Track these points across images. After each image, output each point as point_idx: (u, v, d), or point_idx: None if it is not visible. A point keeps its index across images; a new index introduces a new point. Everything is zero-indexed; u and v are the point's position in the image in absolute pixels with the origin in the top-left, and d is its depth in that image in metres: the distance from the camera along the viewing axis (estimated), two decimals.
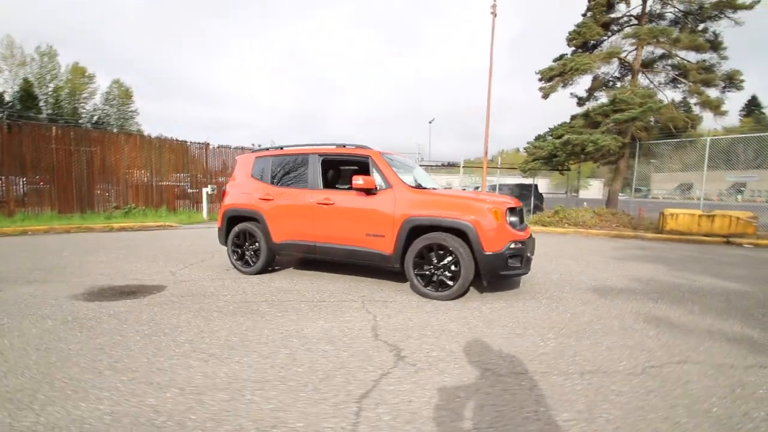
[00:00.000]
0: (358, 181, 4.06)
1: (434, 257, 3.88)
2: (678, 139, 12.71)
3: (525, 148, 15.36)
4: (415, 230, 3.94)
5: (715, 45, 12.22)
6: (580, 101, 15.29)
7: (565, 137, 12.36)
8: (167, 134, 12.84)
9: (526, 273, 3.97)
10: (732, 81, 12.49)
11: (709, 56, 12.76)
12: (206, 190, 13.09)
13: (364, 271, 5.08)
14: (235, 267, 5.04)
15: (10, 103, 39.77)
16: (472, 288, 4.24)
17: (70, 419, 1.84)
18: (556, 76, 13.38)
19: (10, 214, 9.82)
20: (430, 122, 38.37)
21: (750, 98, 54.96)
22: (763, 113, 54.09)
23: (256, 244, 4.85)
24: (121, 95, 52.22)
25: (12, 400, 1.99)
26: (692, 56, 12.96)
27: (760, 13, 11.70)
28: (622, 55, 13.41)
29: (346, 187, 5.55)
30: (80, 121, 43.86)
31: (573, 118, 14.01)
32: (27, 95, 41.38)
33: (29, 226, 8.98)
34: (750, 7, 11.27)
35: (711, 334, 3.11)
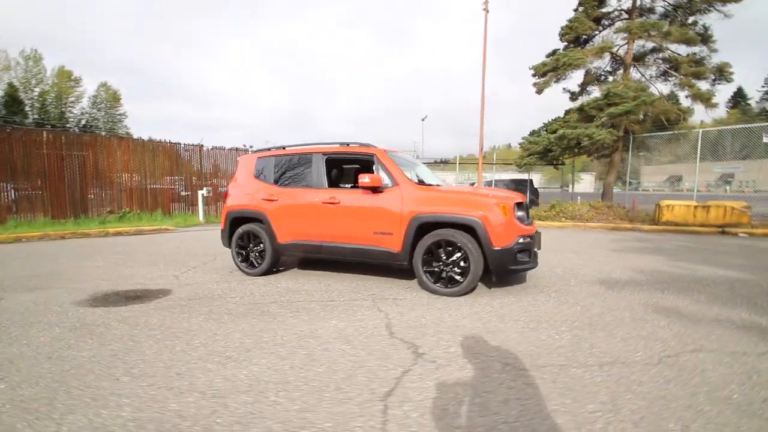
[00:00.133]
0: (365, 179, 4.04)
1: (443, 254, 3.87)
2: (670, 132, 12.87)
3: (520, 144, 15.46)
4: (423, 227, 3.94)
5: (705, 38, 12.38)
6: (573, 96, 15.41)
7: (560, 132, 12.45)
8: (157, 137, 12.62)
9: (535, 267, 3.99)
10: (722, 73, 12.68)
11: (699, 49, 12.94)
12: (201, 193, 12.95)
13: (370, 270, 5.06)
14: (240, 269, 4.99)
15: None
16: (480, 283, 4.25)
17: (93, 427, 1.81)
18: (549, 71, 13.46)
19: (2, 221, 9.63)
20: (422, 119, 38.45)
21: (736, 90, 55.92)
22: (749, 104, 55.05)
23: (261, 245, 4.80)
24: (109, 98, 51.53)
25: (29, 410, 1.95)
26: (683, 49, 13.13)
27: (745, 4, 11.88)
28: (614, 49, 13.53)
29: (350, 185, 5.55)
30: (67, 126, 43.14)
31: (567, 112, 14.12)
32: (12, 100, 40.63)
33: (23, 233, 8.80)
34: (738, 0, 11.43)
35: (720, 323, 3.15)
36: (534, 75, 14.14)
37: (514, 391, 2.08)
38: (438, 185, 4.63)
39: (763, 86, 55.78)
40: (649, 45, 13.50)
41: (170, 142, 13.07)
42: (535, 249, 4.05)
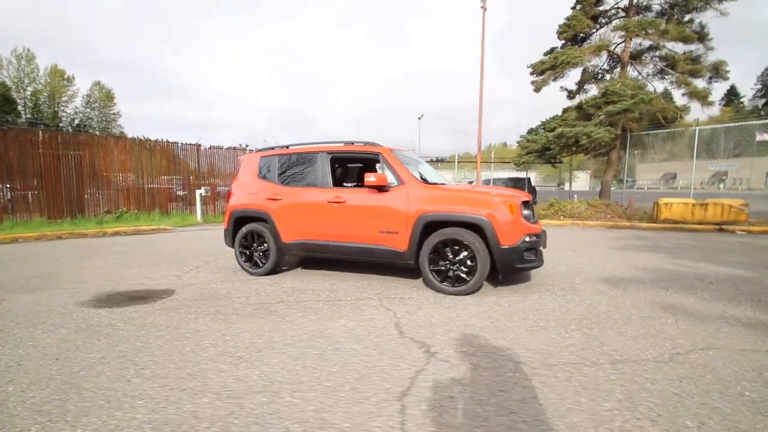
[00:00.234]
0: (371, 178, 4.02)
1: (449, 252, 3.87)
2: (668, 130, 12.96)
3: (518, 142, 15.50)
4: (430, 226, 3.93)
5: (701, 36, 12.46)
6: (570, 94, 15.47)
7: (559, 130, 12.49)
8: (153, 137, 12.47)
9: (541, 266, 3.99)
10: (718, 71, 12.77)
11: (695, 47, 13.03)
12: (199, 192, 12.86)
13: (374, 269, 5.05)
14: (244, 269, 4.97)
15: None
16: (485, 282, 4.26)
17: (108, 430, 1.79)
18: (547, 69, 13.50)
19: None
20: (419, 118, 38.36)
21: (729, 88, 56.39)
22: (742, 103, 55.55)
23: (265, 244, 4.78)
24: (103, 98, 51.04)
25: (42, 413, 1.93)
26: (679, 47, 13.22)
27: (741, 2, 11.98)
28: (611, 47, 13.59)
29: (353, 184, 5.53)
30: (60, 125, 42.69)
31: (565, 110, 14.16)
32: (4, 99, 40.11)
33: (19, 233, 8.70)
34: None
35: (726, 320, 3.17)
36: (532, 73, 14.17)
37: (529, 390, 2.09)
38: (443, 184, 4.63)
39: (755, 84, 56.33)
40: (646, 43, 13.58)
41: (167, 142, 12.96)
42: (541, 247, 4.07)
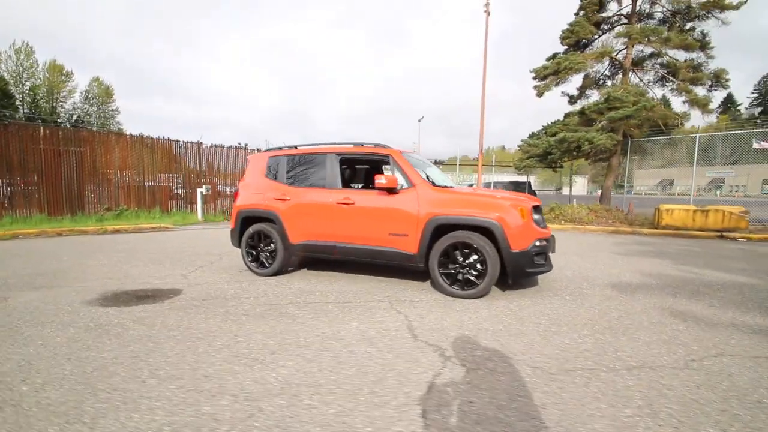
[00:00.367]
0: (381, 180, 4.02)
1: (459, 256, 3.87)
2: (668, 137, 13.04)
3: (519, 146, 15.53)
4: (440, 229, 3.93)
5: (703, 44, 12.54)
6: (572, 99, 15.53)
7: (561, 135, 12.53)
8: (151, 134, 12.39)
9: (550, 270, 3.99)
10: (718, 79, 12.85)
11: (696, 55, 13.11)
12: (200, 191, 12.81)
13: (380, 271, 5.04)
14: (250, 269, 4.94)
15: None
16: (493, 286, 4.25)
17: None
18: (550, 74, 13.55)
19: None
20: (419, 120, 38.41)
21: (726, 96, 56.89)
22: (739, 111, 56.03)
23: (272, 245, 4.76)
24: (102, 94, 50.82)
25: (58, 414, 1.90)
26: (680, 55, 13.29)
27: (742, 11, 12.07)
28: (614, 53, 13.66)
29: (361, 186, 5.52)
30: (59, 121, 42.45)
31: (567, 115, 14.21)
32: (2, 94, 39.84)
33: (19, 230, 8.63)
34: (737, 7, 11.61)
35: (736, 327, 3.18)
36: (535, 78, 14.22)
37: (549, 396, 2.08)
38: (451, 187, 4.63)
39: (752, 92, 56.85)
40: (648, 50, 13.65)
41: (169, 140, 12.90)
42: (550, 252, 4.07)
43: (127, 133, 12.22)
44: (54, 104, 46.43)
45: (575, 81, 14.79)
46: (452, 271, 3.91)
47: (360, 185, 5.62)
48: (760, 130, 14.95)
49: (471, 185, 23.92)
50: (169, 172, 13.19)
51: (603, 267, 5.64)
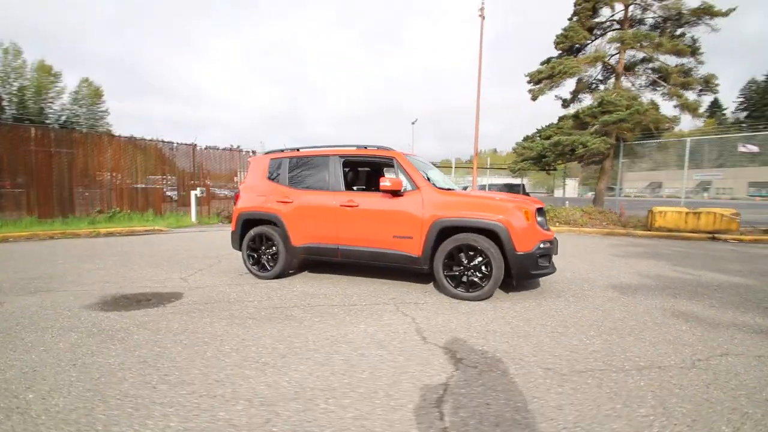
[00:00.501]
0: (386, 182, 4.02)
1: (464, 258, 3.88)
2: (660, 140, 13.27)
3: (514, 149, 15.67)
4: (445, 231, 3.94)
5: (694, 50, 12.81)
6: (565, 103, 15.73)
7: (555, 138, 12.68)
8: (142, 135, 12.23)
9: (554, 272, 4.03)
10: (708, 84, 13.14)
11: (687, 60, 13.38)
12: (195, 193, 12.67)
13: (383, 273, 5.03)
14: (251, 272, 4.89)
15: None
16: (497, 288, 4.27)
17: None
18: (545, 78, 13.71)
19: None
20: (412, 123, 38.51)
21: (712, 100, 58.08)
22: (725, 115, 57.24)
23: (274, 247, 4.72)
24: (91, 95, 50.03)
25: (68, 422, 1.86)
26: (671, 60, 13.56)
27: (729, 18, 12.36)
28: (607, 58, 13.88)
29: (363, 188, 5.51)
30: (47, 122, 41.68)
31: (561, 119, 14.38)
32: None
33: (9, 233, 8.44)
34: (726, 14, 11.89)
35: (738, 327, 3.24)
36: (529, 82, 14.38)
37: (564, 396, 2.09)
38: (454, 189, 4.65)
39: (738, 97, 58.13)
40: (640, 55, 13.90)
41: (162, 141, 12.76)
42: (553, 254, 4.10)
43: (119, 134, 12.04)
44: (42, 105, 45.59)
45: (569, 85, 15.00)
46: (456, 273, 3.92)
47: (363, 188, 5.61)
48: (746, 134, 15.28)
49: (466, 188, 24.04)
50: (163, 174, 13.05)
51: (601, 268, 5.70)
